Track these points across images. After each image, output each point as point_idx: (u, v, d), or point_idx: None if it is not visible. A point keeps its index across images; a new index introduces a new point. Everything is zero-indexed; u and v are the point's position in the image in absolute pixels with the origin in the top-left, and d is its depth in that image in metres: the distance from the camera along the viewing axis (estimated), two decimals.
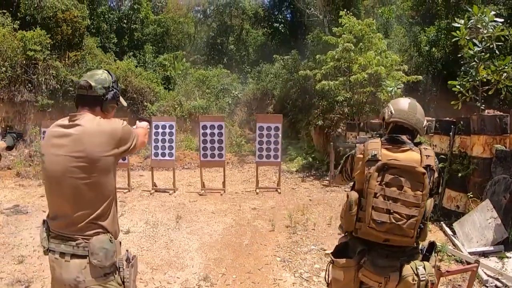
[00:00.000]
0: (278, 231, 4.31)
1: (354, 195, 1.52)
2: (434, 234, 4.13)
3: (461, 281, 3.02)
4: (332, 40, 8.37)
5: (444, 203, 4.81)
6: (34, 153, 8.89)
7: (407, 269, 1.44)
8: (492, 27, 4.76)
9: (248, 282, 3.00)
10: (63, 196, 1.37)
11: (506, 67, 4.73)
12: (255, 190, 6.60)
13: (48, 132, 1.45)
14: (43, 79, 9.59)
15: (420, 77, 7.94)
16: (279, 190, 6.60)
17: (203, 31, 18.65)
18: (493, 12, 4.79)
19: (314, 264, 3.36)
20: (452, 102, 5.25)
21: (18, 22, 9.64)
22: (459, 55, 5.12)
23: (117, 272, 1.39)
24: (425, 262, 1.49)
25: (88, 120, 1.40)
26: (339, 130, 8.85)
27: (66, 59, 10.32)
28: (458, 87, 5.07)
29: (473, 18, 4.88)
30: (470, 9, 4.97)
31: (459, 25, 4.97)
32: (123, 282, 1.40)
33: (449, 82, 5.20)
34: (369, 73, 7.39)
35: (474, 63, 4.86)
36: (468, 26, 4.88)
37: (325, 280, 1.71)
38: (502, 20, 4.76)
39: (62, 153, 1.36)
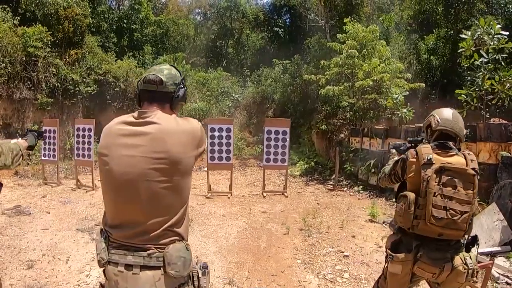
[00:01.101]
0: (293, 234, 4.34)
1: (412, 195, 1.66)
2: None
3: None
4: (336, 46, 8.53)
5: None
6: (33, 152, 8.67)
7: (457, 260, 1.62)
8: (497, 39, 4.98)
9: (273, 285, 3.02)
10: (135, 202, 1.20)
11: (510, 78, 4.96)
12: (262, 194, 6.62)
13: (112, 130, 1.27)
14: (43, 77, 9.39)
15: (423, 85, 8.16)
16: (286, 194, 6.64)
17: (203, 33, 18.62)
18: (498, 25, 5.01)
19: (335, 266, 3.41)
20: (458, 111, 5.44)
21: (19, 18, 9.44)
22: (465, 65, 5.31)
23: (190, 282, 1.30)
24: (470, 253, 1.67)
25: (164, 118, 1.25)
26: (342, 135, 8.98)
27: (67, 57, 10.15)
28: (464, 96, 5.26)
29: (479, 29, 5.09)
30: (477, 21, 5.18)
31: (465, 37, 5.17)
32: None
33: (456, 91, 5.39)
34: (374, 79, 7.55)
35: (480, 73, 5.06)
36: (475, 37, 5.08)
37: (383, 273, 1.87)
38: (508, 33, 4.98)
39: (137, 154, 1.19)
